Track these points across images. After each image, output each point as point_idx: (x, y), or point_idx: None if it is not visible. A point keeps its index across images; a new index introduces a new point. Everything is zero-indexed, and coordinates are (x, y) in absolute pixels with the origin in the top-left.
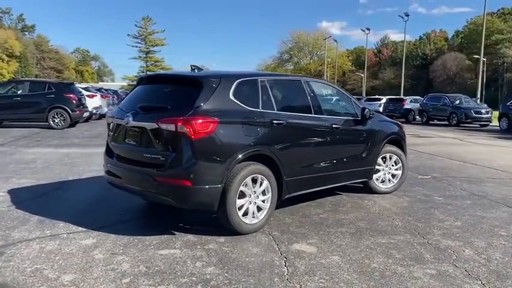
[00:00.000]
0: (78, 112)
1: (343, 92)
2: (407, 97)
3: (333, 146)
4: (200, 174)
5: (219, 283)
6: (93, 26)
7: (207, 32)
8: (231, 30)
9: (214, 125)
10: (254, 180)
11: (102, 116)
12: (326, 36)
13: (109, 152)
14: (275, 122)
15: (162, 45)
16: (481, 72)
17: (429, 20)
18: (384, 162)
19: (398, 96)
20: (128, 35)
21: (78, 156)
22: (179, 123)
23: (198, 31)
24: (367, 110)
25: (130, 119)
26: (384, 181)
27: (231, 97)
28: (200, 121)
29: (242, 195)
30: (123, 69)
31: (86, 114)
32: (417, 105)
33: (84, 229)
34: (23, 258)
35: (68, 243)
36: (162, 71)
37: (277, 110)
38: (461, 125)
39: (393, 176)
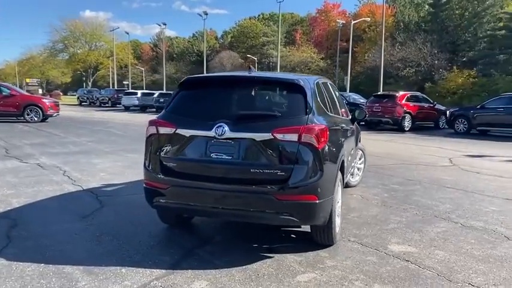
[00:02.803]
0: None
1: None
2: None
3: (349, 145)
4: (324, 186)
5: None
6: None
7: None
8: None
9: (327, 132)
10: None
11: None
12: (104, 27)
13: (166, 171)
14: (342, 124)
15: None
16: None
17: (194, 18)
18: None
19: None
20: None
21: None
22: (303, 133)
23: None
24: (358, 111)
25: (225, 129)
26: (352, 175)
27: (319, 101)
28: (322, 128)
29: None
30: None
31: None
32: None
33: (163, 270)
34: None
35: None
36: (239, 72)
37: (334, 113)
38: None
39: (358, 169)
